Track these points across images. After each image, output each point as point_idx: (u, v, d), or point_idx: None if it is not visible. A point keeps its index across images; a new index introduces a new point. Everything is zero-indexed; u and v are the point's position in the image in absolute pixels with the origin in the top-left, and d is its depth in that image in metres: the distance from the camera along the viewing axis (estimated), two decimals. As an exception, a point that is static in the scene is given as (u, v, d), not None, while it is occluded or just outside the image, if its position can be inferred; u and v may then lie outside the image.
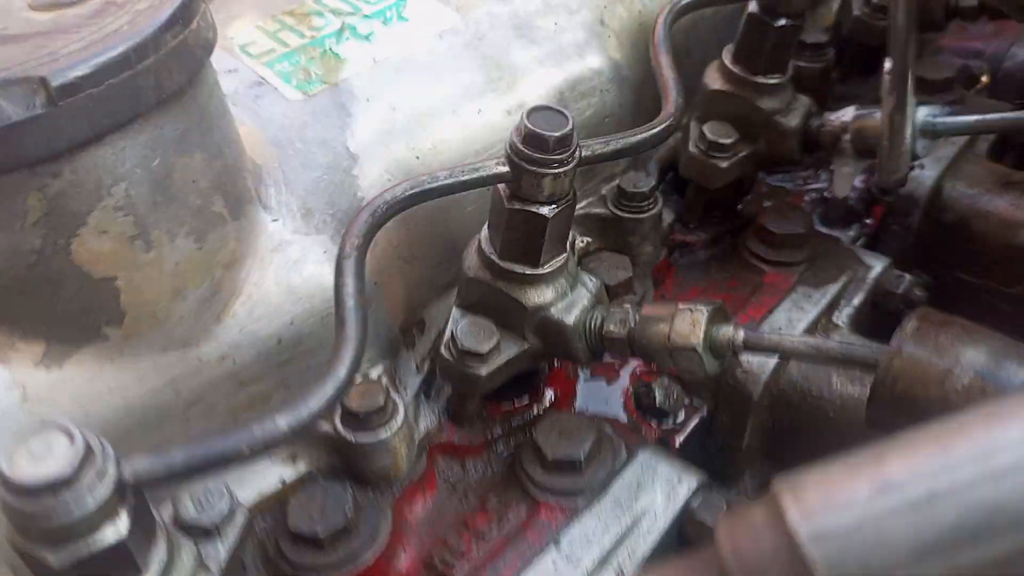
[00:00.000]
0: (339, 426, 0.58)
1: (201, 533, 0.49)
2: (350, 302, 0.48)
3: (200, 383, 0.57)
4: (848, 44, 0.94)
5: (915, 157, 0.68)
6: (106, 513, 0.38)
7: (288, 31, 0.72)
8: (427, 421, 0.67)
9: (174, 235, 0.53)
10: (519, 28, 0.75)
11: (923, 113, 0.67)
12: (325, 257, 0.60)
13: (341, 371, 0.45)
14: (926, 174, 0.81)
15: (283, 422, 0.44)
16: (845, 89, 0.92)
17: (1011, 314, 0.80)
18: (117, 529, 0.39)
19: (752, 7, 0.72)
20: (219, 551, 0.48)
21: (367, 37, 0.72)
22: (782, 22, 0.71)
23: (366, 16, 0.74)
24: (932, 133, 0.68)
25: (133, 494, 0.40)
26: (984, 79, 0.96)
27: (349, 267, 0.49)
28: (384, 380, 0.64)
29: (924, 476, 0.25)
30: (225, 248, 0.56)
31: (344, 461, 0.60)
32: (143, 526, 0.41)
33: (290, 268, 0.59)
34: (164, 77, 0.49)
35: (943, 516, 0.24)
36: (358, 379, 0.62)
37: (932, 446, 0.25)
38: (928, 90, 0.89)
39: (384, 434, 0.58)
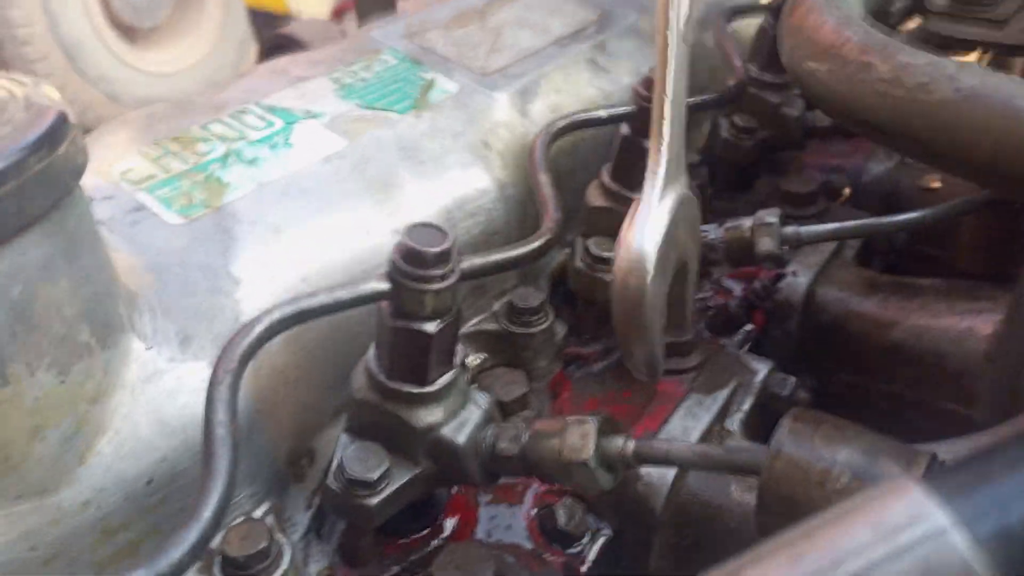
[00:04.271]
0: (218, 575, 0.54)
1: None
2: (220, 432, 0.45)
3: (59, 535, 0.52)
4: (719, 164, 1.01)
5: (782, 264, 0.72)
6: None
7: (171, 157, 0.71)
8: (318, 563, 0.62)
9: (34, 368, 0.49)
10: (405, 151, 0.76)
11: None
12: (203, 386, 0.57)
13: (205, 512, 0.42)
14: (799, 280, 0.86)
15: (139, 578, 0.40)
16: (719, 205, 0.98)
17: (892, 411, 0.84)
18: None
19: (624, 129, 0.77)
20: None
21: (253, 162, 0.72)
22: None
23: (252, 142, 0.74)
24: (796, 241, 0.73)
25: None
26: (846, 192, 1.04)
27: (221, 395, 0.47)
28: (269, 519, 0.60)
29: None
30: (91, 381, 0.53)
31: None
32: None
33: (164, 399, 0.56)
34: (27, 202, 0.47)
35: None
36: (239, 519, 0.58)
37: (785, 558, 0.24)
38: (796, 203, 0.95)
39: (267, 582, 0.54)
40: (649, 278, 0.44)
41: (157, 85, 3.42)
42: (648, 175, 0.47)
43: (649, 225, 0.45)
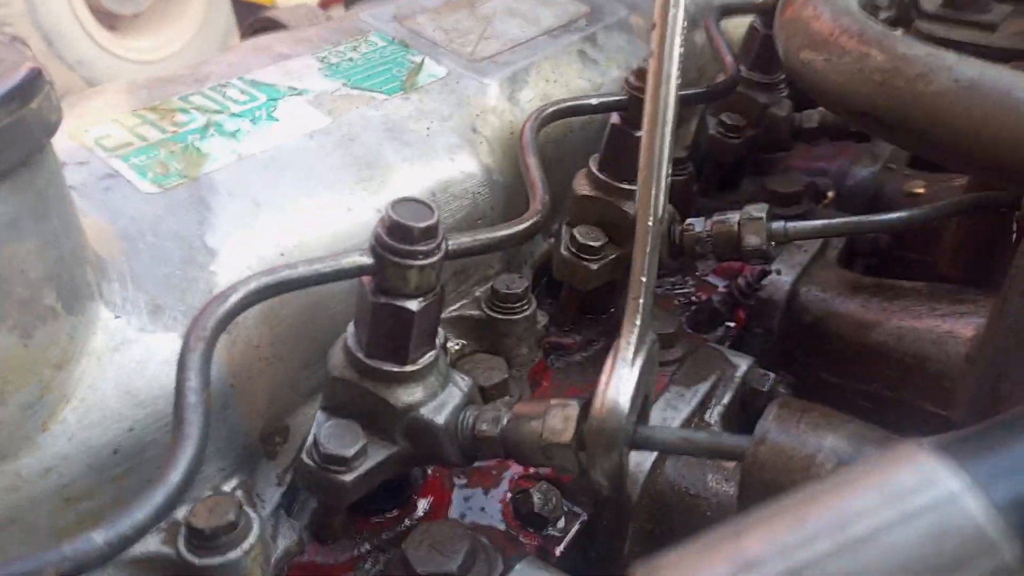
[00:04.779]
0: (182, 547, 0.52)
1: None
2: (192, 398, 0.44)
3: (18, 501, 0.50)
4: (706, 161, 1.00)
5: (769, 259, 0.72)
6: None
7: (148, 126, 0.69)
8: (287, 539, 0.61)
9: (-6, 330, 0.47)
10: (391, 131, 0.75)
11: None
12: (173, 357, 0.55)
13: (174, 477, 0.40)
14: (783, 279, 0.85)
15: (100, 538, 0.38)
16: (704, 202, 0.98)
17: (871, 411, 0.84)
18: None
19: (614, 118, 0.76)
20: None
21: (233, 135, 0.70)
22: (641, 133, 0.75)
23: (234, 115, 0.72)
24: (783, 237, 0.73)
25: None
26: (830, 194, 1.04)
27: (193, 361, 0.45)
28: (238, 494, 0.58)
29: (783, 552, 0.23)
30: (56, 346, 0.51)
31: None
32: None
33: (132, 369, 0.54)
34: (-5, 155, 0.45)
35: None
36: (207, 492, 0.56)
37: (788, 519, 0.24)
38: (781, 202, 0.95)
39: (234, 555, 0.52)
40: (622, 422, 0.51)
41: (137, 72, 3.38)
42: (623, 335, 0.54)
43: (623, 383, 0.52)
